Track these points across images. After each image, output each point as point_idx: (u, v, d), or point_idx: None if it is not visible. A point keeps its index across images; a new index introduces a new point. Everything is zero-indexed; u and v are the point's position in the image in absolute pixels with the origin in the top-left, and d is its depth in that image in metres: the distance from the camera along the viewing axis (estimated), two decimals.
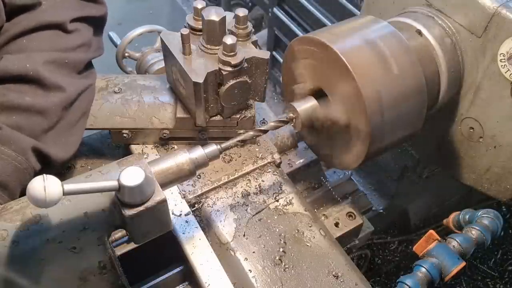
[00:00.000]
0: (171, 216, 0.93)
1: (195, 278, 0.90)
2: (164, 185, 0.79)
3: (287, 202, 1.02)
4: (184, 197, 1.00)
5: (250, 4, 2.99)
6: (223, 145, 0.86)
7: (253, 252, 0.94)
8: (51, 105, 0.89)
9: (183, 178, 0.81)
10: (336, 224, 1.17)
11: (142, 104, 1.06)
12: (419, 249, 0.99)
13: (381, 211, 1.70)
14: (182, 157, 0.80)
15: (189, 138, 1.09)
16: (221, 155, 0.85)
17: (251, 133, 0.92)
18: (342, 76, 0.92)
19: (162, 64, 1.31)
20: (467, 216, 1.07)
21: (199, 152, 0.82)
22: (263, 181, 1.05)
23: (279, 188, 1.04)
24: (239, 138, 0.90)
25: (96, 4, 1.04)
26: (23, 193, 0.84)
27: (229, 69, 0.94)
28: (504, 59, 1.00)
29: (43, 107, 0.88)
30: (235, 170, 1.06)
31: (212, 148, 0.83)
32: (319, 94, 1.01)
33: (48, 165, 0.91)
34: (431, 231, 0.99)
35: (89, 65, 1.04)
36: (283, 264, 0.92)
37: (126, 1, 3.64)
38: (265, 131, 0.95)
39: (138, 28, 1.38)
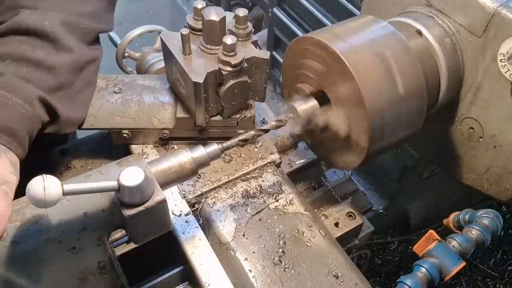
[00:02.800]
0: (171, 216, 0.93)
1: (195, 278, 0.90)
2: (166, 184, 0.79)
3: (287, 202, 1.02)
4: (184, 197, 1.00)
5: (250, 4, 3.00)
6: (224, 145, 0.86)
7: (253, 252, 0.94)
8: (60, 64, 0.91)
9: (185, 177, 0.81)
10: (336, 224, 1.17)
11: (142, 104, 1.07)
12: (419, 249, 0.99)
13: (381, 211, 1.69)
14: (184, 156, 0.80)
15: (189, 138, 1.09)
16: (221, 155, 0.86)
17: (252, 132, 0.93)
18: (342, 76, 0.92)
19: (162, 64, 1.31)
20: (467, 216, 1.07)
21: (200, 151, 0.82)
22: (263, 181, 1.05)
23: (279, 188, 1.04)
24: (240, 137, 0.90)
25: None
26: (30, 145, 0.86)
27: (229, 69, 0.94)
28: (504, 59, 1.00)
29: (53, 64, 0.89)
30: (235, 170, 1.06)
31: (214, 147, 0.84)
32: (320, 95, 1.01)
33: (56, 120, 0.92)
34: (431, 231, 0.99)
35: (97, 40, 1.05)
36: (283, 264, 0.92)
37: (126, 1, 3.64)
38: (266, 131, 0.95)
39: (138, 28, 1.38)
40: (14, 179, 0.77)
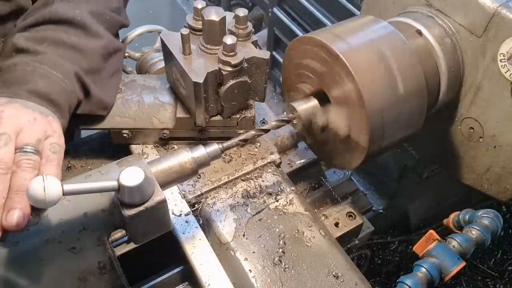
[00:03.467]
0: (171, 216, 0.93)
1: (195, 278, 0.90)
2: (167, 184, 0.79)
3: (287, 202, 1.02)
4: (184, 197, 1.00)
5: (250, 4, 3.00)
6: (225, 145, 0.86)
7: (253, 252, 0.94)
8: (92, 49, 0.98)
9: (185, 177, 0.81)
10: (336, 224, 1.17)
11: (142, 104, 1.07)
12: (419, 249, 0.99)
13: (381, 211, 1.69)
14: (184, 156, 0.80)
15: (189, 138, 1.09)
16: (221, 155, 0.86)
17: (252, 132, 0.93)
18: (342, 76, 0.92)
19: (162, 64, 1.30)
20: (467, 216, 1.07)
21: (201, 151, 0.82)
22: (263, 181, 1.05)
23: (279, 188, 1.04)
24: (240, 137, 0.90)
25: None
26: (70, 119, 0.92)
27: (229, 69, 0.94)
28: (504, 59, 1.00)
29: (85, 49, 0.97)
30: (235, 170, 1.06)
31: (214, 147, 0.84)
32: (320, 95, 1.01)
33: (89, 99, 0.98)
34: (431, 231, 0.99)
35: (118, 34, 1.12)
36: (283, 264, 0.92)
37: None
38: (266, 131, 0.95)
39: (138, 28, 1.38)
40: (63, 143, 0.82)
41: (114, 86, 1.07)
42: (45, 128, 0.79)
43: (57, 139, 0.80)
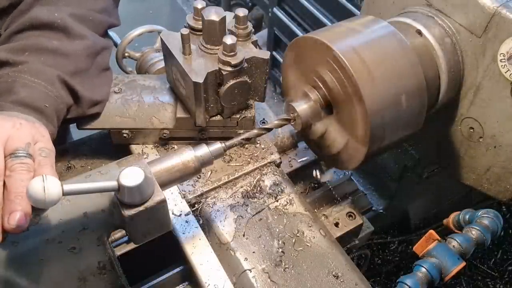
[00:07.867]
0: (171, 216, 0.93)
1: (195, 278, 0.90)
2: (169, 182, 0.79)
3: (287, 202, 1.02)
4: (184, 197, 1.00)
5: (250, 4, 3.00)
6: (228, 143, 0.86)
7: (253, 252, 0.94)
8: (75, 50, 0.98)
9: (188, 176, 0.81)
10: (336, 224, 1.17)
11: (142, 104, 1.07)
12: (419, 249, 0.99)
13: (381, 211, 1.69)
14: (188, 154, 0.80)
15: (189, 138, 1.09)
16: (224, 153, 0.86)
17: (255, 131, 0.93)
18: (341, 76, 0.92)
19: (162, 64, 1.30)
20: (467, 216, 1.07)
21: (204, 150, 0.82)
22: (263, 181, 1.05)
23: (279, 188, 1.04)
24: (243, 136, 0.90)
25: None
26: (59, 124, 0.92)
27: (229, 69, 0.94)
28: (504, 59, 1.00)
29: (68, 51, 0.96)
30: (235, 170, 1.06)
31: (217, 146, 0.84)
32: (322, 105, 1.01)
33: (78, 102, 0.98)
34: (431, 231, 0.99)
35: (106, 33, 1.12)
36: (283, 264, 0.92)
37: (126, 1, 3.63)
38: (268, 130, 0.95)
39: (138, 28, 1.38)
40: (53, 147, 0.81)
41: (105, 82, 1.06)
42: (32, 132, 0.78)
43: (46, 144, 0.79)
